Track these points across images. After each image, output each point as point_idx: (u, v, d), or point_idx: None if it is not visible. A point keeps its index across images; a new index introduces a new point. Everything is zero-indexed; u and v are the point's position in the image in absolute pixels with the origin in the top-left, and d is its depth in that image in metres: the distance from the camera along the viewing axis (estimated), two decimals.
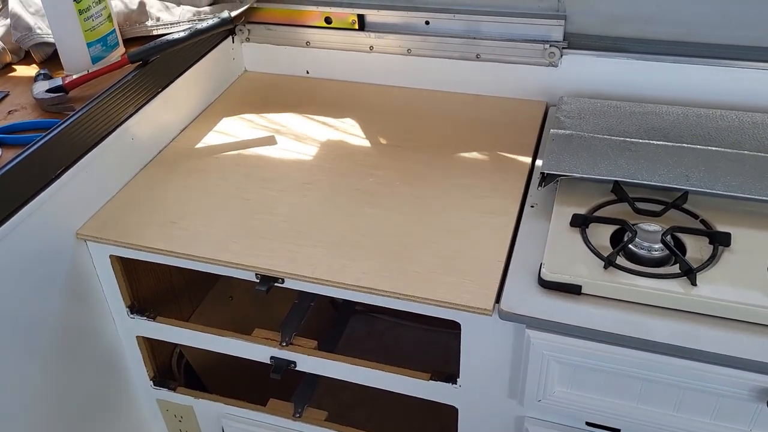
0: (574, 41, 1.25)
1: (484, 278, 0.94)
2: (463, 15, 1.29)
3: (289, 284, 1.00)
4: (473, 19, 1.29)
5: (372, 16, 1.36)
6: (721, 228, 0.96)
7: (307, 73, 1.46)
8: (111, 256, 1.09)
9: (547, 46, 1.26)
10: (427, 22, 1.33)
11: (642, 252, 0.93)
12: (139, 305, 1.16)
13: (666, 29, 1.20)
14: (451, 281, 0.94)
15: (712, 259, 0.91)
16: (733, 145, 1.08)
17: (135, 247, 1.04)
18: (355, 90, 1.42)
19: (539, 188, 1.06)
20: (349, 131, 1.29)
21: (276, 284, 1.00)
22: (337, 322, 1.53)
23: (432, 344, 1.51)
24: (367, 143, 1.25)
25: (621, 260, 0.92)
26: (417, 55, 1.36)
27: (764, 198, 0.98)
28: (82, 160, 1.06)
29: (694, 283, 0.87)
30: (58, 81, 1.13)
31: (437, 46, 1.33)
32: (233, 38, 1.45)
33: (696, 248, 0.94)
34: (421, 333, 1.54)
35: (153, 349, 1.23)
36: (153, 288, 1.22)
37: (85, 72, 1.14)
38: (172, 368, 1.31)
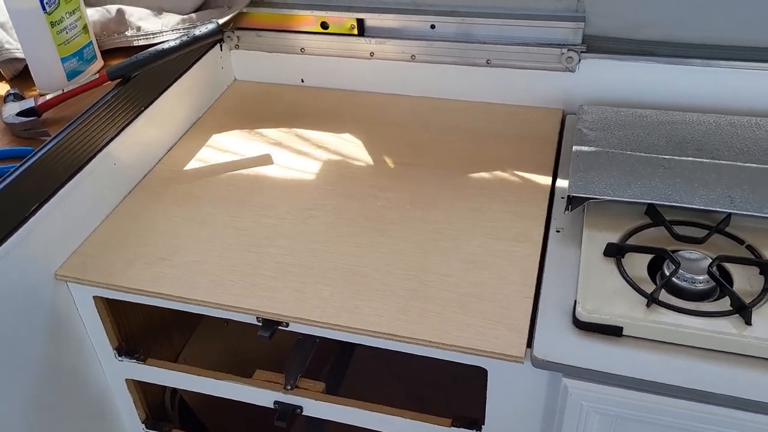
0: (594, 44, 1.16)
1: (512, 318, 0.85)
2: (472, 18, 1.19)
3: (294, 328, 0.90)
4: (483, 22, 1.19)
5: (372, 20, 1.25)
6: None
7: (302, 81, 1.35)
8: (95, 297, 0.98)
9: (564, 50, 1.16)
10: (432, 26, 1.22)
11: (684, 284, 0.84)
12: (127, 345, 1.06)
13: (695, 33, 1.10)
14: (475, 323, 0.85)
15: (765, 292, 0.82)
16: None
17: (120, 289, 0.94)
18: (354, 100, 1.31)
19: (566, 212, 0.97)
20: (351, 147, 1.19)
21: (280, 327, 0.91)
22: (344, 350, 1.43)
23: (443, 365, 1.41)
24: (370, 161, 1.15)
25: (663, 294, 0.83)
26: (422, 62, 1.25)
27: None
28: (60, 191, 0.96)
29: (748, 322, 0.78)
30: (30, 103, 1.02)
31: (444, 51, 1.23)
32: (221, 46, 1.34)
33: (743, 279, 0.85)
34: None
35: (144, 386, 1.13)
36: (141, 324, 1.12)
37: (60, 92, 1.03)
38: (165, 405, 1.22)
